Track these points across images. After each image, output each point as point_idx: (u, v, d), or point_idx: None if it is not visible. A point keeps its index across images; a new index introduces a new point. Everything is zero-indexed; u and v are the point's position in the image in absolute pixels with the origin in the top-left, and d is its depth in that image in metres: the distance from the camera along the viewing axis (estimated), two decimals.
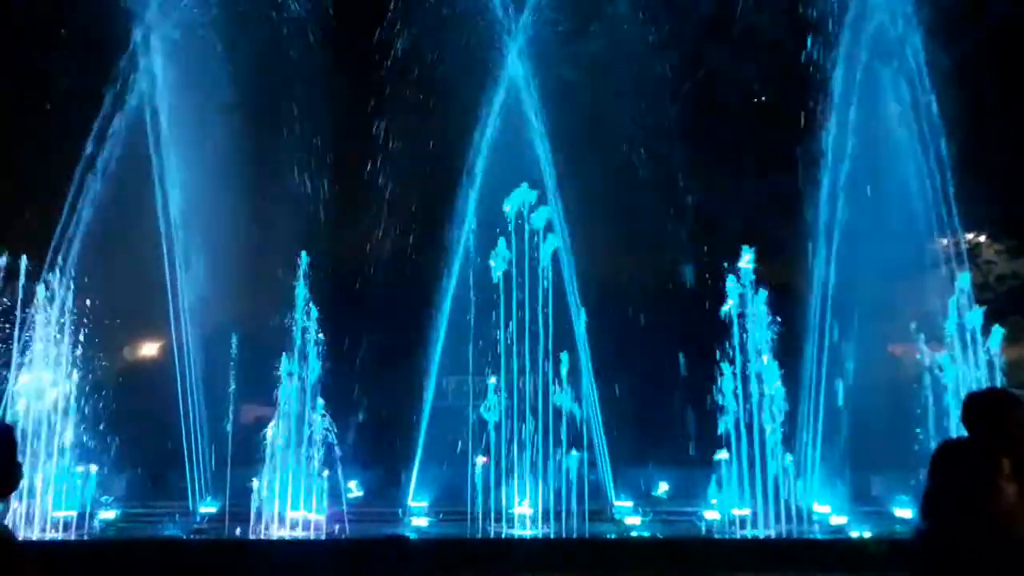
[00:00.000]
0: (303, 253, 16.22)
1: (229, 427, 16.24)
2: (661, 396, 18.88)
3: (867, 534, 14.31)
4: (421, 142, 20.03)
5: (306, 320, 15.79)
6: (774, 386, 15.54)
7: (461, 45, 19.09)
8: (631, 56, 19.25)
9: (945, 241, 18.12)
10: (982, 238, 22.75)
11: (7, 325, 15.73)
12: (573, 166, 18.54)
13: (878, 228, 16.67)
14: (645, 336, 19.33)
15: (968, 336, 16.62)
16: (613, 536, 14.81)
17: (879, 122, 17.70)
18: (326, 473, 15.22)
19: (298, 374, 15.54)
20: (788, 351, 17.25)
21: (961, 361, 16.45)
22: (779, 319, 16.94)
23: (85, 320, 16.24)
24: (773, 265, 20.58)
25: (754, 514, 15.04)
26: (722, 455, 15.08)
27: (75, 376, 15.44)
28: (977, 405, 4.22)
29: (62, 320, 15.67)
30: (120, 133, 17.21)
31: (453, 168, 18.93)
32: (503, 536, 14.65)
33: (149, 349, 22.20)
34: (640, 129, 19.51)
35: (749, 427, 15.46)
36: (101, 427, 15.99)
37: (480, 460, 15.84)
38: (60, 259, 16.58)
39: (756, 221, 19.32)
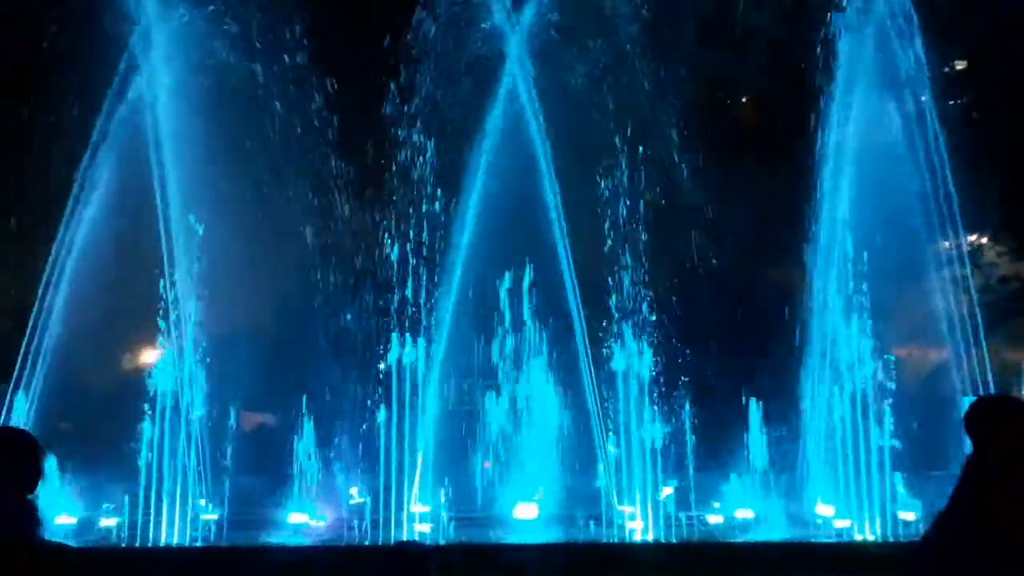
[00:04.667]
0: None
1: (230, 435, 16.18)
2: (664, 400, 18.82)
3: (871, 537, 14.25)
4: (425, 140, 19.97)
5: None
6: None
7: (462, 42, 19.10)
8: (632, 56, 19.25)
9: (947, 243, 18.08)
10: (984, 240, 22.72)
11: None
12: (569, 163, 18.51)
13: (880, 230, 16.63)
14: (648, 338, 19.29)
15: (971, 339, 16.61)
16: (616, 541, 14.73)
17: (881, 124, 17.66)
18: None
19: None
20: (790, 353, 17.25)
21: (963, 365, 16.44)
22: (780, 321, 16.95)
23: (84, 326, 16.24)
24: (773, 266, 20.59)
25: (757, 518, 15.02)
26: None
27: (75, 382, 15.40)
28: (978, 412, 4.18)
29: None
30: (120, 134, 17.13)
31: (452, 164, 18.93)
32: (506, 541, 14.58)
33: (148, 356, 22.13)
34: (641, 128, 19.49)
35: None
36: (100, 435, 15.95)
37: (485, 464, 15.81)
38: (59, 265, 16.54)
39: (757, 221, 19.31)
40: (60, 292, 16.63)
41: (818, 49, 17.87)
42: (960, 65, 21.52)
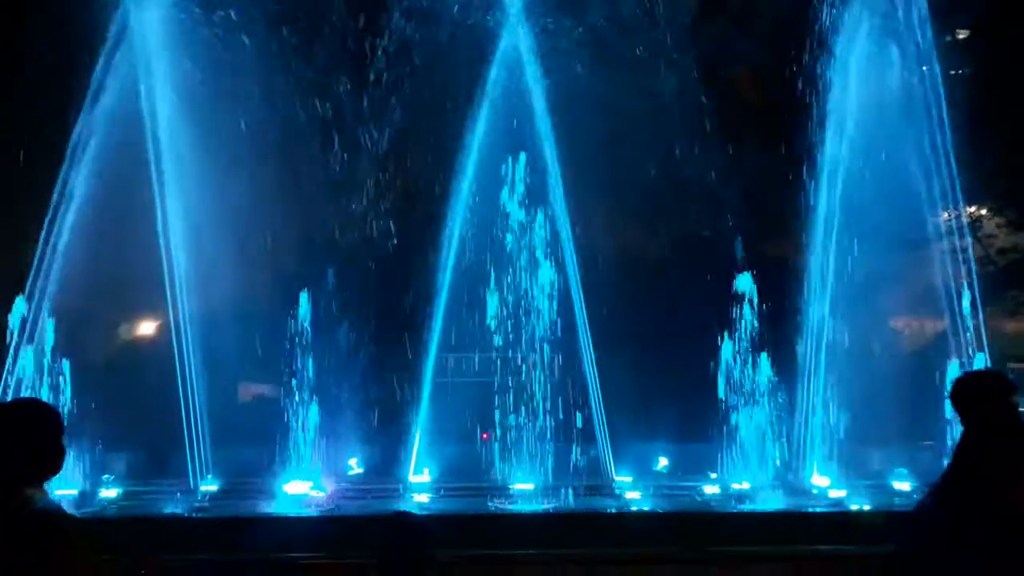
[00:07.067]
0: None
1: (229, 405, 16.23)
2: (661, 371, 18.88)
3: (866, 507, 14.35)
4: (418, 113, 19.82)
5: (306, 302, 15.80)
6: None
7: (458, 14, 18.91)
8: (630, 27, 19.05)
9: (947, 214, 18.02)
10: (984, 211, 22.63)
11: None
12: (572, 138, 18.38)
13: (880, 201, 16.57)
14: (646, 310, 19.30)
15: (968, 311, 16.62)
16: (613, 510, 14.84)
17: (881, 94, 17.51)
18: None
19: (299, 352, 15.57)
20: (789, 326, 17.26)
21: (961, 336, 16.46)
22: (779, 294, 16.92)
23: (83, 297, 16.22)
24: (773, 238, 20.54)
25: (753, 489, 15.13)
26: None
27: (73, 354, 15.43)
28: (963, 389, 4.16)
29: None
30: (110, 106, 16.96)
31: (449, 136, 18.81)
32: (504, 511, 14.68)
33: (147, 328, 22.14)
34: (640, 102, 19.34)
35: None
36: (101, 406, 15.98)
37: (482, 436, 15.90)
38: (53, 237, 16.47)
39: (756, 194, 19.21)
40: (56, 262, 16.59)
41: (818, 18, 17.69)
42: (962, 34, 21.31)
